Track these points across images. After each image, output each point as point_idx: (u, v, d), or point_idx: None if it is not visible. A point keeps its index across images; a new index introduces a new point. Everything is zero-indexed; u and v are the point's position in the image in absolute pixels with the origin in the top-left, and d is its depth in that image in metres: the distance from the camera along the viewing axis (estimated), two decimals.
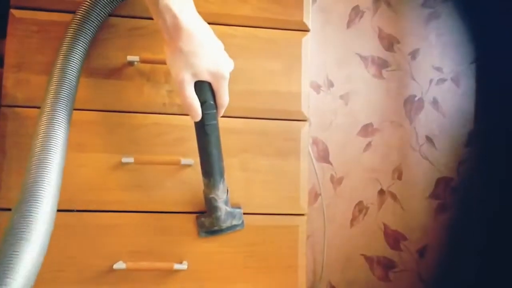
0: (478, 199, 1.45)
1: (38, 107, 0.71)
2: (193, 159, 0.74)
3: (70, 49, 0.66)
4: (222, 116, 0.74)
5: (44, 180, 0.55)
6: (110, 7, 0.70)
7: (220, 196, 0.71)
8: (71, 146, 0.72)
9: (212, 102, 0.65)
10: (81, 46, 0.67)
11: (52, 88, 0.63)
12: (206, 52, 0.61)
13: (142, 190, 0.74)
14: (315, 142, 1.38)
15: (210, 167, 0.69)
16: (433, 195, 1.43)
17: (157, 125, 0.75)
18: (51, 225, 0.54)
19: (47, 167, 0.56)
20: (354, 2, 1.43)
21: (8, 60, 0.73)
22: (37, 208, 0.52)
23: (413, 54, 1.44)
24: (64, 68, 0.64)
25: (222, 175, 0.70)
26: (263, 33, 0.79)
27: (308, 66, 0.81)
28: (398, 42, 1.44)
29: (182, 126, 0.76)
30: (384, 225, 1.40)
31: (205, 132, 0.66)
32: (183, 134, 0.76)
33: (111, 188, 0.73)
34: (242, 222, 0.76)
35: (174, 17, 0.57)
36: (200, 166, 0.70)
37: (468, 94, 1.47)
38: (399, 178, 1.41)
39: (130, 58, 0.72)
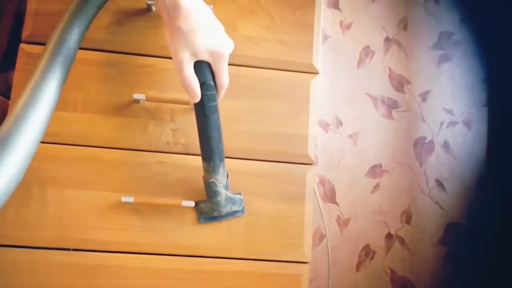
0: (489, 247, 1.40)
1: (40, 142, 0.71)
2: (194, 200, 0.72)
3: (73, 17, 0.63)
4: (226, 157, 0.73)
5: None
6: None
7: (220, 180, 0.69)
8: (71, 183, 0.71)
9: (211, 83, 0.64)
10: (85, 17, 0.64)
11: (49, 46, 0.61)
12: (205, 31, 0.60)
13: (140, 231, 0.72)
14: (322, 181, 1.35)
15: (209, 150, 0.67)
16: (443, 241, 1.39)
17: (160, 164, 0.74)
18: None
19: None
20: (365, 42, 1.43)
21: (15, 94, 0.72)
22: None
23: (424, 96, 1.43)
24: (64, 33, 0.62)
25: (222, 159, 0.68)
26: (271, 75, 0.78)
27: (316, 108, 0.80)
28: (409, 83, 1.43)
29: (185, 166, 0.74)
30: (391, 270, 1.36)
31: (204, 114, 0.65)
32: (186, 174, 0.74)
33: (109, 228, 0.71)
34: (243, 208, 0.74)
35: None
36: (200, 149, 0.68)
37: (480, 137, 1.45)
38: (408, 222, 1.37)
39: (136, 96, 0.72)
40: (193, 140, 0.75)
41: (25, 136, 0.51)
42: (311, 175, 0.78)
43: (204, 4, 0.62)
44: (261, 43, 0.79)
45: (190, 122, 0.75)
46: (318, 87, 0.80)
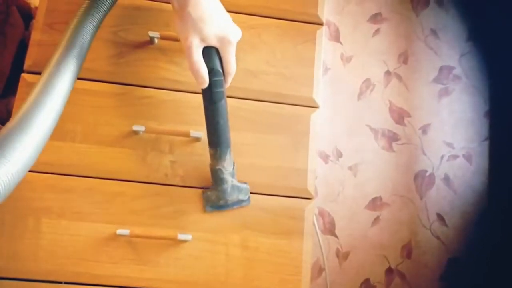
0: (490, 282, 1.37)
1: (37, 172, 0.71)
2: (191, 233, 0.71)
3: (85, 15, 0.65)
4: None
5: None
6: None
7: (227, 167, 0.70)
8: (66, 214, 0.70)
9: (219, 69, 0.65)
10: (97, 15, 0.66)
11: (61, 45, 0.62)
12: (213, 18, 0.62)
13: (135, 265, 0.70)
14: (321, 213, 1.34)
15: (216, 136, 0.68)
16: (444, 277, 1.36)
17: (157, 196, 0.73)
18: None
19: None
20: (365, 75, 1.44)
21: None
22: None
23: (424, 129, 1.43)
24: (77, 31, 0.63)
25: (228, 145, 0.69)
26: (272, 108, 0.78)
27: (316, 142, 0.79)
28: (409, 116, 1.43)
29: (182, 198, 0.73)
30: None
31: (212, 99, 0.65)
32: (183, 207, 0.73)
33: (103, 261, 0.70)
34: (249, 198, 0.74)
35: None
36: (207, 136, 0.69)
37: (481, 171, 1.44)
38: (408, 256, 1.35)
39: (135, 127, 0.72)
40: (191, 172, 0.74)
41: (36, 127, 0.50)
42: (310, 210, 0.77)
43: None
44: (262, 76, 0.79)
45: (189, 154, 0.74)
46: (318, 120, 0.80)
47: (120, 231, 0.69)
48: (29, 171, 0.70)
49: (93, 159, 0.72)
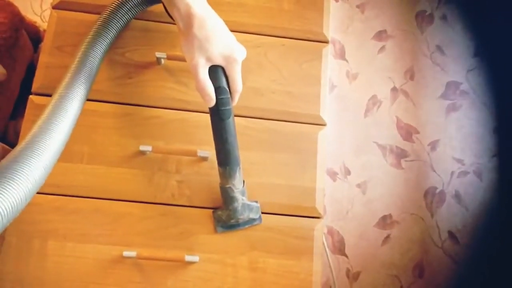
0: None
1: (43, 193, 0.70)
2: (198, 255, 0.70)
3: (95, 38, 0.68)
4: None
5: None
6: (136, 10, 0.74)
7: (237, 186, 0.69)
8: (72, 236, 0.69)
9: (226, 87, 0.65)
10: (106, 38, 0.69)
11: (72, 68, 0.64)
12: (218, 38, 0.63)
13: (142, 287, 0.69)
14: (330, 232, 1.32)
15: (226, 155, 0.67)
16: None
17: (163, 217, 0.72)
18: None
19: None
20: (372, 92, 1.44)
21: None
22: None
23: (433, 145, 1.42)
24: (86, 54, 0.66)
25: (238, 163, 0.68)
26: (279, 126, 0.78)
27: (324, 160, 0.78)
28: (417, 132, 1.42)
29: (189, 219, 0.72)
30: None
31: (220, 117, 0.65)
32: (190, 227, 0.72)
33: (110, 284, 0.68)
34: (260, 217, 0.73)
35: (187, 5, 0.60)
36: (216, 155, 0.68)
37: (492, 188, 1.41)
38: (421, 276, 1.32)
39: (142, 147, 0.71)
40: (198, 192, 0.74)
41: (44, 151, 0.52)
42: (319, 229, 0.76)
43: (215, 14, 0.65)
44: (268, 95, 0.79)
45: (196, 174, 0.74)
46: (326, 138, 0.80)
47: (126, 253, 0.68)
48: (36, 193, 0.70)
49: (100, 180, 0.72)
